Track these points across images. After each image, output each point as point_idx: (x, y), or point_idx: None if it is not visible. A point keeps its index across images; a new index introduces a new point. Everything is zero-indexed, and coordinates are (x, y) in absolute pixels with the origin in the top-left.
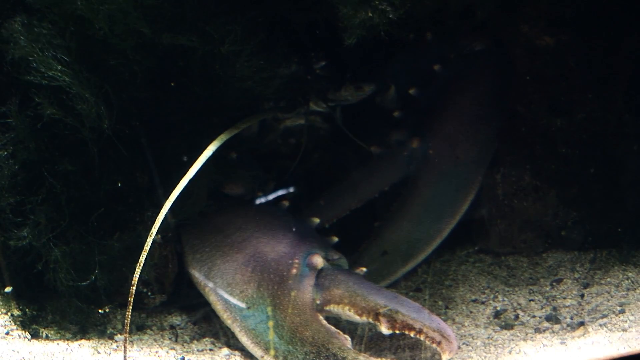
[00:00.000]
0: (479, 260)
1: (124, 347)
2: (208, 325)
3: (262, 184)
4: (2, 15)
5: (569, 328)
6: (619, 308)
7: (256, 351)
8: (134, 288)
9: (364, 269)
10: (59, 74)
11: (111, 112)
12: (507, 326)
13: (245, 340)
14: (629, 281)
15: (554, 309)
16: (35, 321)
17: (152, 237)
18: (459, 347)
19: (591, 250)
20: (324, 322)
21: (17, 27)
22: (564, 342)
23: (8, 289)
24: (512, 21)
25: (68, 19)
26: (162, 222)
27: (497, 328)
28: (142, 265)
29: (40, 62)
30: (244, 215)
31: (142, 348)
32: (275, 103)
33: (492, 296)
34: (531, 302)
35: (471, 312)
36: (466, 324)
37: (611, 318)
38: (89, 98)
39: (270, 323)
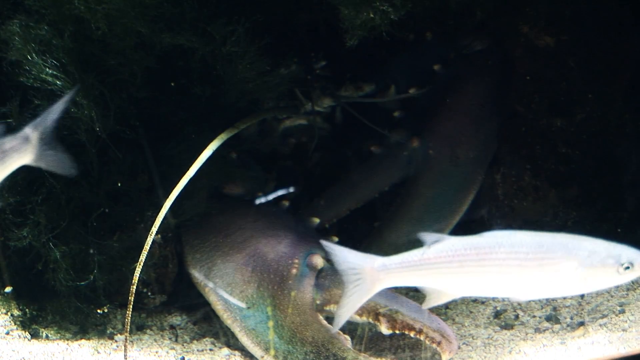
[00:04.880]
0: None
1: (125, 346)
2: (208, 325)
3: (262, 184)
4: (1, 16)
5: (569, 328)
6: (619, 308)
7: (256, 351)
8: (134, 287)
9: None
10: (50, 78)
11: (109, 113)
12: (507, 326)
13: (245, 340)
14: (629, 281)
15: (554, 309)
16: (35, 321)
17: (152, 236)
18: (459, 347)
19: None
20: (324, 322)
21: (15, 28)
22: (564, 342)
23: (8, 289)
24: (512, 21)
25: (66, 20)
26: (162, 222)
27: (497, 328)
28: (142, 265)
29: (32, 65)
30: (244, 215)
31: (142, 348)
32: (275, 103)
33: (492, 296)
34: (531, 302)
35: (471, 312)
36: (466, 324)
37: (611, 318)
38: (81, 101)
39: (270, 323)
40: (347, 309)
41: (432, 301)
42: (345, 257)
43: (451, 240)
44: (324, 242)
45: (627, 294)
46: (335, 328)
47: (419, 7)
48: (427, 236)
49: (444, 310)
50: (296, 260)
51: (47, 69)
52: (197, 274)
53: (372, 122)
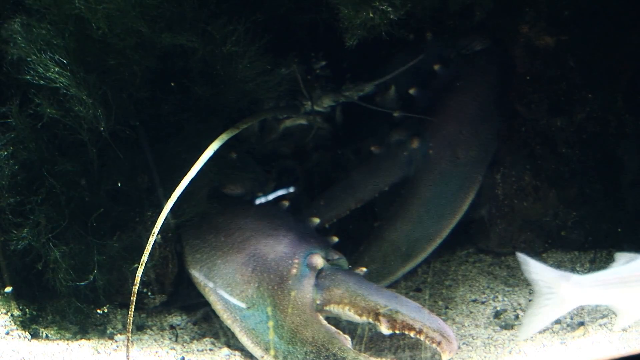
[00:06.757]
0: (479, 260)
1: (127, 346)
2: (208, 325)
3: (262, 184)
4: (2, 16)
5: (569, 328)
6: None
7: (256, 351)
8: (137, 287)
9: (364, 269)
10: (56, 75)
11: (110, 112)
12: (507, 326)
13: (245, 340)
14: None
15: None
16: (35, 321)
17: (154, 237)
18: (459, 347)
19: (591, 250)
20: (324, 322)
21: (16, 27)
22: (564, 342)
23: (8, 289)
24: (512, 21)
25: (67, 19)
26: (162, 223)
27: (497, 328)
28: (144, 265)
29: (37, 63)
30: (244, 215)
31: (142, 348)
32: (275, 103)
33: (492, 296)
34: (531, 302)
35: (471, 312)
36: (466, 324)
37: (611, 318)
38: (86, 100)
39: (270, 323)
40: (537, 324)
41: (625, 320)
42: (540, 269)
43: None
44: (520, 255)
45: None
46: (521, 338)
47: (418, 7)
48: (620, 256)
49: (444, 310)
50: (296, 260)
51: (54, 67)
52: (197, 274)
53: (371, 123)
